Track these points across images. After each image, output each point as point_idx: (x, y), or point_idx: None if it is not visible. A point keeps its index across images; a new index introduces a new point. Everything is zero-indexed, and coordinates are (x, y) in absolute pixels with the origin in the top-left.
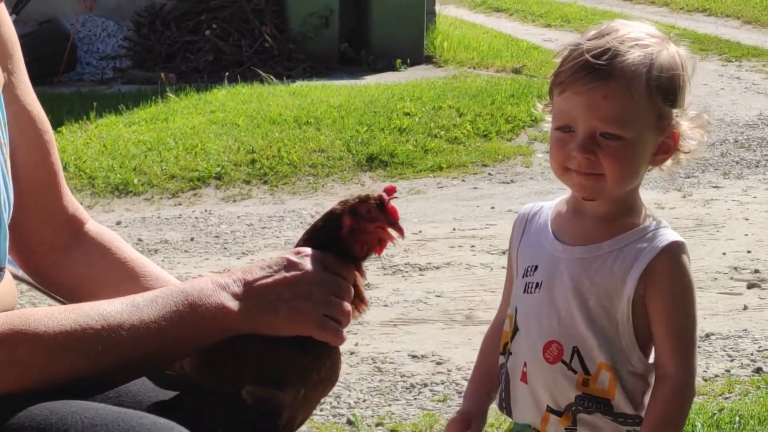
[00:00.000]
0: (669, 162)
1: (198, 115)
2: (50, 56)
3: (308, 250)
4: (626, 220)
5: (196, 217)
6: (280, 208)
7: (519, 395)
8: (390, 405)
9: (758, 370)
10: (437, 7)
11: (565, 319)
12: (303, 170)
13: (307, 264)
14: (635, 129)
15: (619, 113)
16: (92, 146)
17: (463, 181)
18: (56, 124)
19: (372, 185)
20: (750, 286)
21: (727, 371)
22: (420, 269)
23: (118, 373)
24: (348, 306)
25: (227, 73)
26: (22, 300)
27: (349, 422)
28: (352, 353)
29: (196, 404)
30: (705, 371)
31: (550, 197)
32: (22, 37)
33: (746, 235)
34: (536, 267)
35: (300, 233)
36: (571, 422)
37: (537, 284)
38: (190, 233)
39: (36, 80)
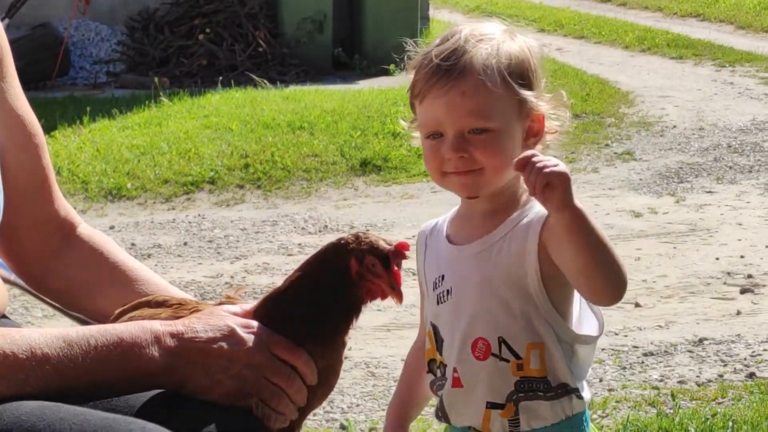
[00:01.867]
0: (539, 145)
1: (191, 120)
2: (43, 60)
3: (256, 326)
4: (511, 207)
5: (190, 222)
6: (274, 213)
7: (453, 400)
8: (383, 410)
9: (751, 375)
10: (431, 12)
11: (483, 314)
12: (296, 175)
13: (250, 342)
14: (500, 118)
15: (480, 107)
16: (85, 151)
17: None
18: (49, 129)
19: (365, 190)
20: (743, 291)
21: (720, 376)
22: (413, 273)
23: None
24: (280, 393)
25: (221, 78)
26: (15, 304)
27: (342, 427)
28: (345, 358)
29: (189, 410)
30: (698, 376)
31: None
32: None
33: (739, 240)
34: (443, 276)
35: (294, 238)
36: (514, 412)
37: (448, 291)
38: (183, 238)
39: (29, 84)
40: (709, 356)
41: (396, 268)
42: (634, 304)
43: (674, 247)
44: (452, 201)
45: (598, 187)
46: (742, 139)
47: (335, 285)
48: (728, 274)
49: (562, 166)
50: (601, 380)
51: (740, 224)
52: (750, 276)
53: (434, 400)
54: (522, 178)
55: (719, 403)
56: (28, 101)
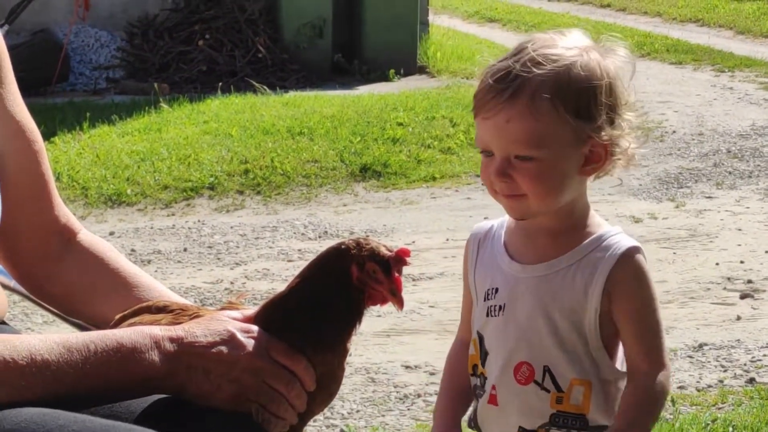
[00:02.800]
0: (609, 169)
1: (191, 126)
2: (43, 66)
3: (256, 331)
4: (579, 231)
5: (190, 228)
6: (274, 219)
7: (487, 417)
8: (383, 416)
9: (751, 381)
10: (430, 18)
11: (533, 339)
12: (296, 180)
13: (250, 346)
14: (548, 147)
15: (525, 135)
16: (85, 156)
17: (457, 191)
18: (49, 135)
19: (365, 195)
20: (743, 297)
21: (721, 382)
22: (413, 279)
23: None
24: (280, 398)
25: (220, 84)
26: (15, 310)
27: None
28: (346, 363)
29: (189, 416)
30: (698, 381)
31: None
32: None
33: (739, 245)
34: (497, 289)
35: (293, 244)
36: None
37: (500, 307)
38: (183, 244)
39: (29, 90)
40: (709, 361)
41: (397, 274)
42: None
43: (674, 253)
44: (452, 207)
45: (597, 192)
46: (741, 145)
47: (336, 290)
48: (728, 279)
49: None
50: None
51: (740, 229)
52: (750, 281)
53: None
54: (587, 200)
55: (719, 409)
56: (27, 107)
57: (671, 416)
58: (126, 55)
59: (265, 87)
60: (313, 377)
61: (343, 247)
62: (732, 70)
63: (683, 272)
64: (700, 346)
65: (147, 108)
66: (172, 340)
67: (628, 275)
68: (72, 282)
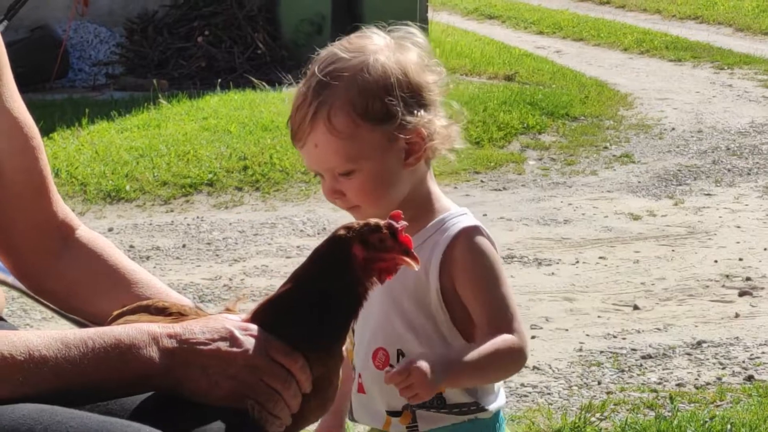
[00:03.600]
0: (434, 151)
1: (190, 122)
2: (42, 62)
3: (255, 330)
4: (424, 217)
5: (188, 224)
6: (272, 215)
7: (359, 405)
8: None
9: (750, 378)
10: (429, 14)
11: (385, 325)
12: (295, 177)
13: (248, 344)
14: (363, 157)
15: (336, 154)
16: (84, 153)
17: (455, 188)
18: (48, 131)
19: None
20: (741, 294)
21: (719, 379)
22: None
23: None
24: (277, 396)
25: (219, 80)
26: (13, 306)
27: None
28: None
29: (184, 412)
30: (696, 379)
31: (542, 204)
32: (14, 44)
33: (738, 242)
34: None
35: (292, 240)
36: (411, 419)
37: None
38: (182, 240)
39: (28, 86)
40: (707, 359)
41: (403, 234)
42: (633, 306)
43: (673, 250)
44: (453, 200)
45: (596, 189)
46: (740, 142)
47: (338, 284)
48: (727, 276)
49: (417, 371)
50: (599, 383)
51: (739, 227)
52: (748, 279)
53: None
54: (429, 186)
55: (717, 406)
56: (26, 103)
57: (669, 413)
58: (125, 51)
59: (264, 83)
60: (309, 378)
61: (338, 234)
62: (731, 67)
63: (682, 269)
64: (699, 343)
65: (146, 104)
66: (170, 336)
67: (463, 252)
68: (70, 278)
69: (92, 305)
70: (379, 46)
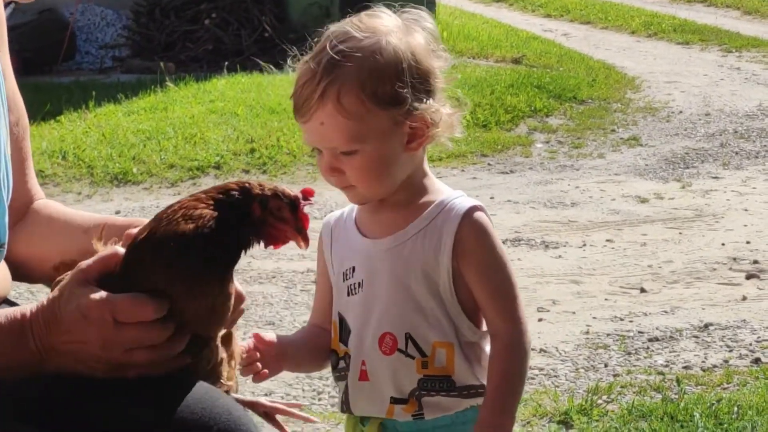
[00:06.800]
0: (434, 138)
1: (197, 105)
2: (49, 45)
3: (103, 299)
4: (422, 200)
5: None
6: None
7: (360, 394)
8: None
9: (757, 361)
10: None
11: (392, 309)
12: (302, 160)
13: (101, 322)
14: (367, 139)
15: (341, 134)
16: (91, 135)
17: (463, 171)
18: (55, 113)
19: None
20: (749, 277)
21: (726, 362)
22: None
23: None
24: (149, 354)
25: (226, 63)
26: (21, 288)
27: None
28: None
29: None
30: (703, 361)
31: (549, 187)
32: (21, 27)
33: (745, 225)
34: (353, 268)
35: None
36: (417, 407)
37: (359, 284)
38: None
39: (35, 69)
40: (714, 342)
41: (303, 212)
42: (640, 289)
43: (680, 233)
44: (458, 187)
45: (604, 172)
46: (748, 125)
47: (230, 227)
48: (734, 259)
49: None
50: (606, 365)
51: (746, 210)
52: (756, 262)
53: (335, 392)
54: (425, 169)
55: (724, 389)
56: (33, 86)
57: (676, 396)
58: (132, 33)
59: (271, 66)
60: (169, 328)
61: (249, 185)
62: (739, 50)
63: (689, 252)
64: (706, 326)
65: (153, 87)
66: (39, 326)
67: (470, 233)
68: (29, 242)
69: (49, 260)
70: (389, 28)
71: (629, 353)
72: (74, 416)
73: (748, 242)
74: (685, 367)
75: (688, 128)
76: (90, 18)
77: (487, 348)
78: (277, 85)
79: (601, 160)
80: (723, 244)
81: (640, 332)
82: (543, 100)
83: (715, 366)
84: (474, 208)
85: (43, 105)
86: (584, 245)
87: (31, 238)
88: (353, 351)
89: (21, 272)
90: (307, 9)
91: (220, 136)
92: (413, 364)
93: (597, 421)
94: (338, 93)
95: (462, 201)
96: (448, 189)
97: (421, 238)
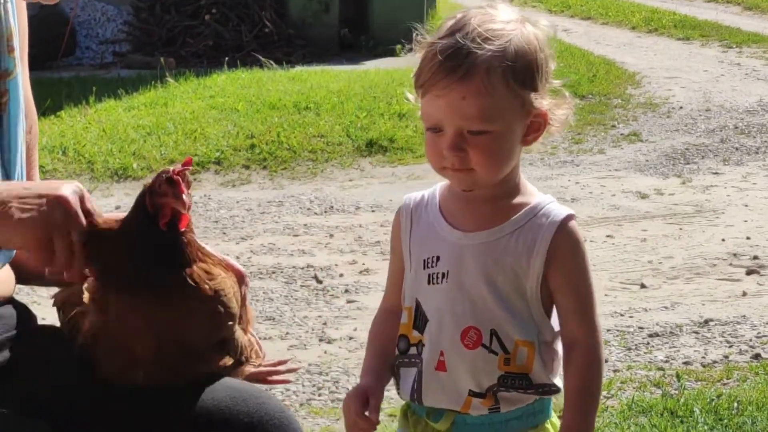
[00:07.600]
0: (544, 136)
1: (197, 100)
2: (50, 40)
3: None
4: (517, 199)
5: (195, 202)
6: (280, 193)
7: (435, 384)
8: (388, 390)
9: (757, 356)
10: None
11: (479, 304)
12: (302, 155)
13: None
14: (501, 120)
15: (480, 110)
16: (91, 131)
17: None
18: (55, 109)
19: (371, 170)
20: (749, 273)
21: (726, 357)
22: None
23: None
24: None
25: (227, 58)
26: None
27: None
28: (350, 338)
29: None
30: (704, 357)
31: (549, 183)
32: None
33: (746, 221)
34: (437, 257)
35: (299, 218)
36: (494, 401)
37: (443, 274)
38: None
39: (36, 65)
40: (714, 337)
41: (179, 180)
42: (640, 285)
43: (680, 229)
44: None
45: (604, 168)
46: (748, 121)
47: (142, 227)
48: (734, 255)
49: None
50: (606, 361)
51: (746, 205)
52: (756, 257)
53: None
54: (519, 169)
55: (724, 384)
56: (34, 81)
57: (676, 391)
58: (132, 29)
59: (271, 62)
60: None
61: (145, 185)
62: (740, 46)
63: (689, 248)
64: (706, 321)
65: (153, 82)
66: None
67: (566, 242)
68: None
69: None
70: (520, 19)
71: (629, 349)
72: (94, 414)
73: (748, 238)
74: (685, 363)
75: (689, 124)
76: (90, 13)
77: (559, 349)
78: (278, 81)
79: (601, 156)
80: (723, 240)
81: (640, 328)
82: None
83: (715, 362)
84: (569, 217)
85: (43, 100)
86: (584, 241)
87: None
88: (431, 340)
89: (20, 273)
90: (307, 5)
91: (220, 131)
92: (495, 360)
93: (597, 416)
94: (488, 68)
95: (557, 208)
96: (539, 192)
97: (515, 237)
